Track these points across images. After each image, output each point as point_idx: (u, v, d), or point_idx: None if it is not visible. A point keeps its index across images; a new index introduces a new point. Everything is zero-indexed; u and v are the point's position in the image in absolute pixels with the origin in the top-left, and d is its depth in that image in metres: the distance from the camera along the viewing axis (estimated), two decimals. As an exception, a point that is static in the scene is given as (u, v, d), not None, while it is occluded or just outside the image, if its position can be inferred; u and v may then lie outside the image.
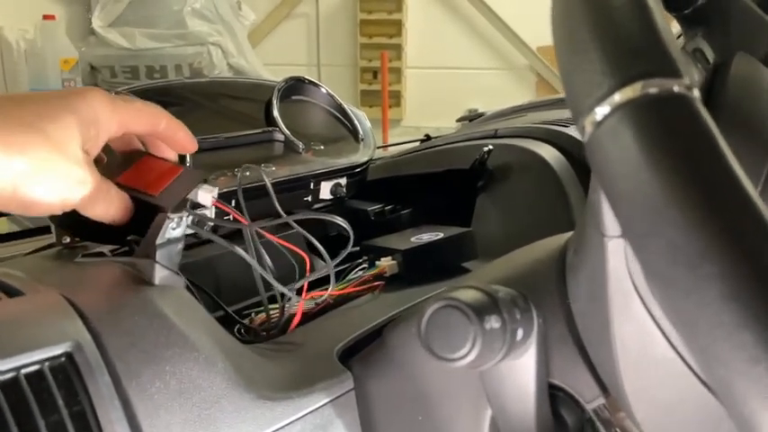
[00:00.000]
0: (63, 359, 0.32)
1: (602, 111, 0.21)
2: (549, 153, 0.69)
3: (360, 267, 0.59)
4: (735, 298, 0.17)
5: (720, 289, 0.17)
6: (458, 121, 1.07)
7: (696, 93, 0.21)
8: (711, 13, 0.40)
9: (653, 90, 0.20)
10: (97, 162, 0.40)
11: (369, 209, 0.71)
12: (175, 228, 0.40)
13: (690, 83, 0.21)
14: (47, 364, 0.31)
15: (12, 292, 0.36)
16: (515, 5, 3.77)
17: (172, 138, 0.44)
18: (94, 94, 0.38)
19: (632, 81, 0.20)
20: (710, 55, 0.36)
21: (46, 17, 2.77)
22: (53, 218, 0.53)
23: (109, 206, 0.39)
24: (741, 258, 0.17)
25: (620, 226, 0.21)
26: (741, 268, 0.17)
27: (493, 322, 0.25)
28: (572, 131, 0.73)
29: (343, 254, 0.50)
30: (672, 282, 0.18)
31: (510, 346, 0.26)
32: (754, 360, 0.17)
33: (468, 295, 0.26)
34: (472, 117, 1.03)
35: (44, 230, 0.67)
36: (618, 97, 0.20)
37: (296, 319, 0.48)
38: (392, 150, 0.99)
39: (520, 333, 0.27)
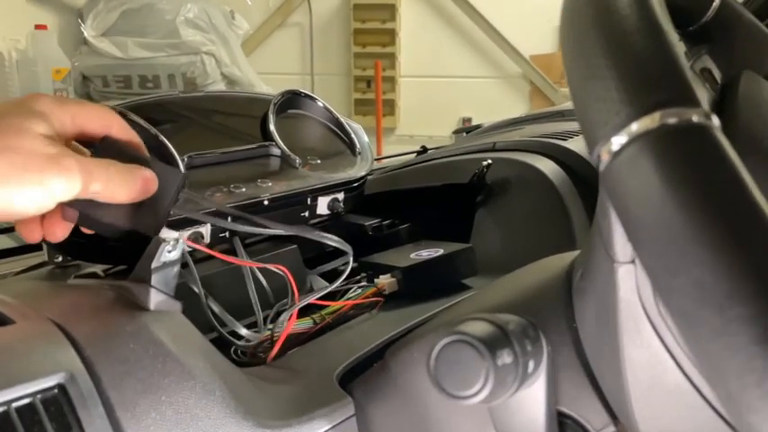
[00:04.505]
0: (55, 391, 0.31)
1: (618, 140, 0.20)
2: (548, 167, 0.68)
3: (358, 285, 0.58)
4: (764, 341, 0.16)
5: (752, 332, 0.17)
6: (454, 133, 1.07)
7: (716, 121, 0.20)
8: (716, 30, 0.39)
9: (672, 120, 0.19)
10: None
11: (366, 224, 0.70)
12: (171, 251, 0.39)
13: (708, 111, 0.20)
14: (38, 396, 0.30)
15: (2, 321, 0.35)
16: (509, 14, 3.79)
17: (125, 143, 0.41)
18: (41, 95, 0.38)
19: (650, 111, 0.19)
20: (717, 74, 0.35)
21: (38, 27, 2.76)
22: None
23: (107, 182, 0.36)
24: None
25: (640, 260, 0.20)
26: None
27: (505, 357, 0.24)
28: (570, 145, 0.73)
29: (339, 280, 0.50)
30: (699, 323, 0.18)
31: (522, 381, 0.25)
32: None
33: (479, 329, 0.25)
34: (468, 129, 1.02)
35: (35, 248, 0.66)
36: (635, 127, 0.20)
37: (278, 344, 0.46)
38: (388, 162, 0.99)
39: (531, 365, 0.26)
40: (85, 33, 3.04)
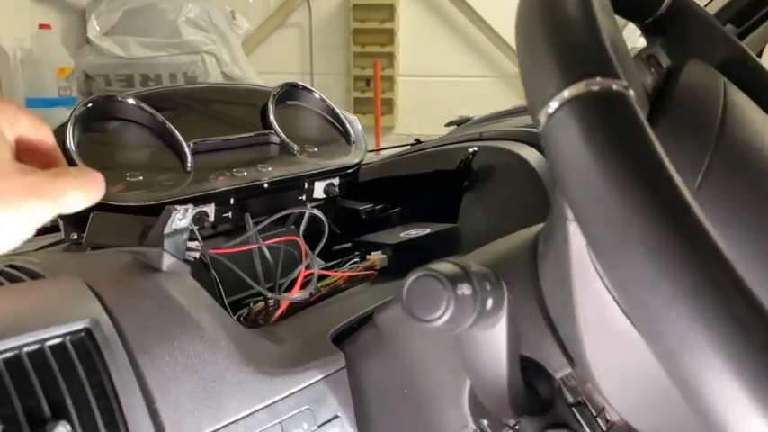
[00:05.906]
0: (83, 334, 0.35)
1: (553, 105, 0.24)
2: (530, 154, 0.73)
3: (352, 261, 0.62)
4: (653, 256, 0.21)
5: (643, 249, 0.21)
6: (447, 125, 1.11)
7: (631, 92, 0.24)
8: (671, 22, 0.44)
9: (595, 88, 0.24)
10: None
11: (360, 208, 0.75)
12: (182, 219, 0.43)
13: (627, 83, 0.25)
14: (68, 337, 0.35)
15: (32, 275, 0.40)
16: (506, 14, 3.81)
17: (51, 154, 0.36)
18: None
19: (578, 80, 0.24)
20: (665, 61, 0.40)
21: (42, 26, 2.80)
22: (63, 215, 0.56)
23: (74, 199, 0.33)
24: (660, 223, 0.21)
25: (567, 202, 0.24)
26: (661, 232, 0.21)
27: (465, 289, 0.29)
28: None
29: (319, 246, 0.55)
30: (607, 244, 0.22)
31: (480, 313, 0.30)
32: (669, 305, 0.21)
33: (444, 267, 0.29)
34: (461, 122, 1.07)
35: (50, 230, 0.70)
36: (566, 93, 0.24)
37: (283, 306, 0.51)
38: (384, 154, 1.03)
39: (489, 302, 0.31)
40: (89, 32, 3.09)
